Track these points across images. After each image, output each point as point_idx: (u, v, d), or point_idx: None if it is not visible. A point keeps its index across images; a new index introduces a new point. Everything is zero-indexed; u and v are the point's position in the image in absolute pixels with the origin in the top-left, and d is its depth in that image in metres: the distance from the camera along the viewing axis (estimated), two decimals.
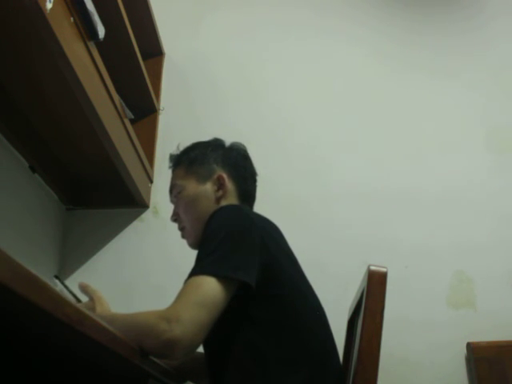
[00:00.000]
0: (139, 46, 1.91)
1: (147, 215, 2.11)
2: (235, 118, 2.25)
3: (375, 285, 1.02)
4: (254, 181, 1.34)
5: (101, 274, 2.00)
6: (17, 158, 1.67)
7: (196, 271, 0.97)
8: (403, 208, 2.15)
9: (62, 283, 1.32)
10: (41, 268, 1.86)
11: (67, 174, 1.97)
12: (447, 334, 1.97)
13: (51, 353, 0.79)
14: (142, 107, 2.12)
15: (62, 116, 1.63)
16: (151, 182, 2.13)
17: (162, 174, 2.10)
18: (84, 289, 1.14)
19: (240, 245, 1.02)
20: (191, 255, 1.06)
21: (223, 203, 1.22)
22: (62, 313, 0.55)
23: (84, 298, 1.15)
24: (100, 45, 1.43)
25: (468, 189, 2.18)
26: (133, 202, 2.06)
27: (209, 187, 1.24)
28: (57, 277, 1.35)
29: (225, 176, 1.25)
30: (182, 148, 1.35)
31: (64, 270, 2.00)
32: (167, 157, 1.38)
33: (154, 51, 2.30)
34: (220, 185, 1.25)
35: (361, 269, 1.21)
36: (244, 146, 1.35)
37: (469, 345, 1.92)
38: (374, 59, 2.40)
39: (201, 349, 1.02)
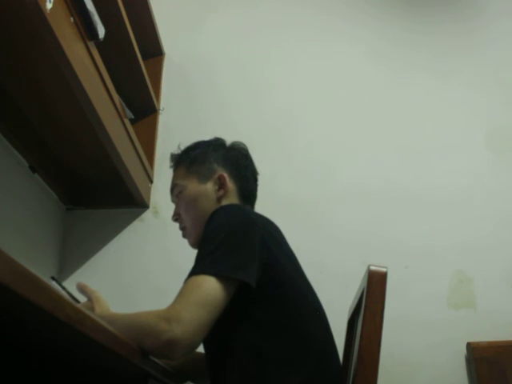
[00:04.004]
0: (139, 46, 1.91)
1: (147, 215, 2.11)
2: (235, 118, 2.25)
3: (375, 285, 1.01)
4: (255, 180, 1.34)
5: (101, 274, 2.00)
6: (17, 158, 1.67)
7: (196, 271, 0.97)
8: (403, 208, 2.15)
9: (60, 284, 1.31)
10: (41, 268, 1.86)
11: (67, 174, 1.96)
12: (447, 334, 1.97)
13: (51, 353, 0.79)
14: (142, 107, 2.12)
15: (62, 116, 1.63)
16: (151, 182, 2.13)
17: (162, 174, 2.10)
18: (82, 289, 1.14)
19: (240, 244, 1.02)
20: (191, 255, 1.06)
21: (224, 203, 1.22)
22: (62, 313, 0.55)
23: (82, 299, 1.14)
24: (100, 45, 1.43)
25: (468, 189, 2.18)
26: (133, 202, 2.06)
27: (210, 187, 1.24)
28: (54, 278, 1.34)
29: (226, 175, 1.25)
30: (182, 148, 1.35)
31: (64, 270, 2.00)
32: (167, 157, 1.38)
33: (154, 51, 2.30)
34: (221, 184, 1.25)
35: (361, 269, 1.21)
36: (245, 145, 1.35)
37: (469, 345, 1.92)
38: (375, 59, 2.40)
39: (201, 349, 1.02)
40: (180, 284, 0.96)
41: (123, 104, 1.73)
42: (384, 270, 1.03)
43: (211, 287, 0.94)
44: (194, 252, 1.07)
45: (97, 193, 2.06)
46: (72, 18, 1.25)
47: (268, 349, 1.02)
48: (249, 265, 1.00)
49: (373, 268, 1.03)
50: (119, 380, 0.93)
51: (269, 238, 1.08)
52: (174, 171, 1.33)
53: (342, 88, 2.35)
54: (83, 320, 0.60)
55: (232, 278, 0.97)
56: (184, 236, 1.29)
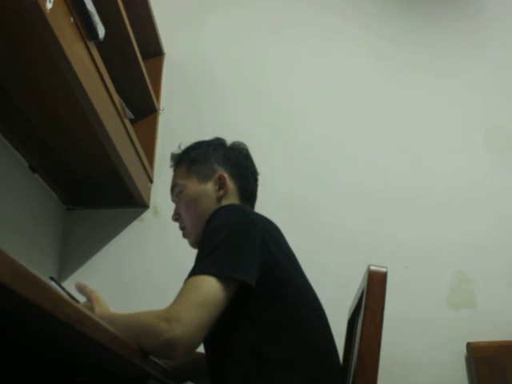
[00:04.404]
0: (139, 46, 1.91)
1: (147, 215, 2.11)
2: (235, 118, 2.25)
3: (375, 285, 1.01)
4: (256, 180, 1.34)
5: (101, 274, 2.00)
6: (17, 158, 1.67)
7: (196, 271, 0.97)
8: (403, 208, 2.15)
9: (59, 284, 1.31)
10: (41, 268, 1.86)
11: (67, 174, 1.96)
12: (447, 334, 1.97)
13: (51, 353, 0.79)
14: (142, 107, 2.12)
15: (62, 116, 1.63)
16: (151, 182, 2.13)
17: (162, 174, 2.10)
18: (81, 289, 1.14)
19: (240, 244, 1.02)
20: (191, 255, 1.06)
21: (224, 203, 1.22)
22: (62, 313, 0.55)
23: (81, 299, 1.14)
24: (100, 45, 1.43)
25: (468, 188, 2.18)
26: (133, 202, 2.05)
27: (210, 187, 1.25)
28: (52, 278, 1.34)
29: (226, 175, 1.25)
30: (183, 147, 1.35)
31: (64, 270, 2.00)
32: (167, 157, 1.38)
33: (154, 51, 2.30)
34: (221, 184, 1.25)
35: (361, 269, 1.21)
36: (245, 145, 1.35)
37: (469, 345, 1.92)
38: (375, 59, 2.40)
39: (201, 348, 1.02)
40: (180, 284, 0.96)
41: (123, 104, 1.73)
42: (384, 270, 1.03)
43: (211, 287, 0.94)
44: (193, 252, 1.07)
45: (97, 193, 2.06)
46: (72, 18, 1.25)
47: (268, 349, 1.02)
48: (249, 265, 1.00)
49: (373, 268, 1.03)
50: (119, 380, 0.93)
51: (269, 238, 1.08)
52: (175, 171, 1.33)
53: (342, 88, 2.35)
54: (83, 320, 0.60)
55: (232, 277, 0.97)
56: (184, 236, 1.29)
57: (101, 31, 1.37)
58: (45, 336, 0.68)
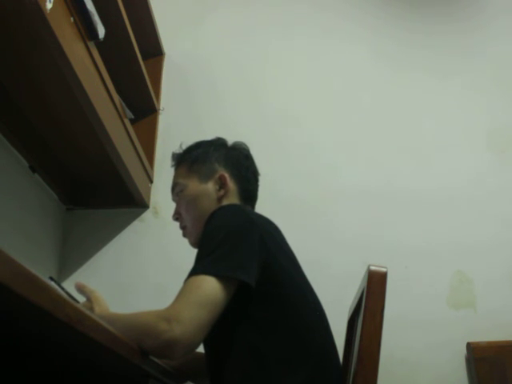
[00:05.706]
0: (139, 46, 1.91)
1: (147, 215, 2.11)
2: (235, 118, 2.25)
3: (375, 285, 1.01)
4: (256, 180, 1.34)
5: (100, 274, 2.00)
6: (17, 158, 1.67)
7: (196, 271, 0.97)
8: (403, 208, 2.15)
9: (58, 284, 1.31)
10: (41, 268, 1.86)
11: (67, 174, 1.96)
12: (447, 334, 1.97)
13: (51, 353, 0.79)
14: (142, 107, 2.12)
15: (62, 116, 1.63)
16: (151, 182, 2.13)
17: (162, 174, 2.10)
18: (81, 289, 1.13)
19: (240, 244, 1.02)
20: (191, 255, 1.06)
21: (225, 203, 1.22)
22: (62, 313, 0.55)
23: (81, 299, 1.14)
24: (100, 45, 1.43)
25: (468, 189, 2.18)
26: (133, 202, 2.06)
27: (210, 186, 1.25)
28: (52, 278, 1.33)
29: (226, 175, 1.25)
30: (184, 147, 1.35)
31: (64, 269, 2.00)
32: (167, 157, 1.38)
33: (154, 51, 2.30)
34: (222, 184, 1.25)
35: (361, 269, 1.21)
36: (246, 145, 1.35)
37: (469, 345, 1.92)
38: (375, 59, 2.40)
39: (201, 348, 1.02)
40: (180, 284, 0.96)
41: (123, 104, 1.73)
42: (384, 270, 1.03)
43: (211, 287, 0.94)
44: (193, 252, 1.07)
45: (97, 193, 2.06)
46: (72, 18, 1.25)
47: (267, 349, 1.02)
48: (248, 265, 1.00)
49: (373, 268, 1.03)
50: (119, 380, 0.93)
51: (268, 238, 1.08)
52: (176, 170, 1.33)
53: (342, 88, 2.35)
54: (83, 320, 0.60)
55: (232, 277, 0.97)
56: (184, 235, 1.29)
57: (101, 31, 1.37)
58: (45, 336, 0.68)
